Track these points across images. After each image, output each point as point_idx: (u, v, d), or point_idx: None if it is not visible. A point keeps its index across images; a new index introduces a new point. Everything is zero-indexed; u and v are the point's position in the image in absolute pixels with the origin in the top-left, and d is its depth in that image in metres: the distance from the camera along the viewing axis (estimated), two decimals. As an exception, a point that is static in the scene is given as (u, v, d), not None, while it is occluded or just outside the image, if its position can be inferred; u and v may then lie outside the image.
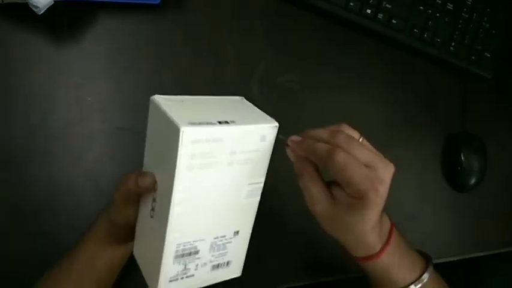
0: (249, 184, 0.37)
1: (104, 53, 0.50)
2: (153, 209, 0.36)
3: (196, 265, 0.38)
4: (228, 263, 0.40)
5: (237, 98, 0.42)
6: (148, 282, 0.38)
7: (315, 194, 0.38)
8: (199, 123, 0.32)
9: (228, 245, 0.39)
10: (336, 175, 0.36)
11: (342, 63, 0.59)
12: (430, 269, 0.41)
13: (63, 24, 0.49)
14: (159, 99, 0.35)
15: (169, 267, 0.36)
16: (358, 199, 0.36)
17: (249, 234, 0.40)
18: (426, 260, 0.42)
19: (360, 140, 0.38)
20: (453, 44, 0.61)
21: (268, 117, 0.38)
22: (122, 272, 0.45)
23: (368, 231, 0.37)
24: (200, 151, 0.33)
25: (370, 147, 0.38)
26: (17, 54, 0.47)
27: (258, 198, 0.39)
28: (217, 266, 0.39)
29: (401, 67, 0.62)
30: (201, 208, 0.35)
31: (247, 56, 0.55)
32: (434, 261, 0.60)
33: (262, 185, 0.39)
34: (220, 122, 0.34)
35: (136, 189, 0.36)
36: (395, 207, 0.59)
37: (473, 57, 0.62)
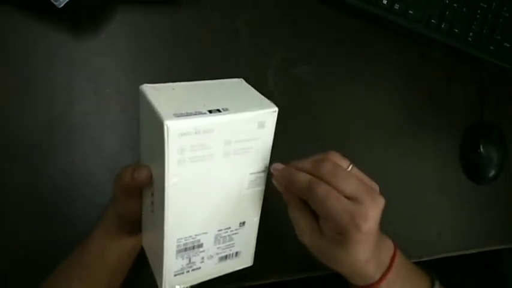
0: (251, 174, 0.36)
1: (122, 45, 0.51)
2: (152, 203, 0.35)
3: (202, 258, 0.37)
4: (236, 253, 0.39)
5: (236, 80, 0.39)
6: (156, 275, 0.38)
7: (301, 226, 0.36)
8: (187, 115, 0.30)
9: (234, 236, 0.38)
10: (316, 208, 0.34)
11: (358, 55, 0.58)
12: None
13: (82, 17, 0.50)
14: (146, 88, 0.33)
15: (172, 262, 0.35)
16: (340, 235, 0.33)
17: (257, 224, 0.39)
18: (431, 279, 0.41)
19: (349, 168, 0.35)
20: (471, 34, 0.60)
21: (267, 102, 0.34)
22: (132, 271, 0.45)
23: (360, 265, 0.35)
24: (190, 144, 0.30)
25: (360, 177, 0.36)
26: (37, 47, 0.48)
27: (263, 187, 0.37)
28: (225, 257, 0.38)
29: (418, 58, 0.61)
30: (199, 201, 0.34)
31: (262, 46, 0.55)
32: (451, 254, 0.59)
33: (265, 174, 0.36)
34: (211, 111, 0.31)
35: (133, 182, 0.35)
36: (412, 198, 0.59)
37: (492, 48, 0.61)
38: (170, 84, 0.35)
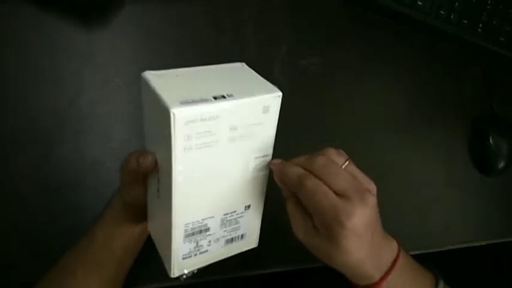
0: (256, 158, 0.36)
1: (130, 35, 0.51)
2: (158, 190, 0.36)
3: (209, 241, 0.37)
4: (242, 236, 0.39)
5: (238, 64, 0.38)
6: (164, 259, 0.38)
7: (298, 222, 0.36)
8: (193, 102, 0.30)
9: (240, 219, 0.38)
10: (305, 203, 0.34)
11: (366, 46, 0.58)
12: None
13: (91, 7, 0.50)
14: (149, 75, 0.33)
15: (180, 246, 0.35)
16: (327, 230, 0.33)
17: (261, 206, 0.39)
18: (436, 278, 0.41)
19: (345, 165, 0.35)
20: (481, 25, 0.60)
21: (270, 86, 0.34)
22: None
23: (355, 263, 0.34)
24: (196, 131, 0.30)
25: (357, 174, 0.35)
26: (47, 37, 0.49)
27: (267, 171, 0.37)
28: (231, 240, 0.39)
29: (427, 49, 0.61)
30: (205, 187, 0.34)
31: (269, 38, 0.55)
32: (459, 245, 0.59)
33: (270, 158, 0.37)
34: (215, 98, 0.31)
35: (139, 169, 0.35)
36: (421, 189, 0.58)
37: (502, 39, 0.61)
38: (172, 70, 0.34)
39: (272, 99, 0.33)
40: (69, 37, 0.49)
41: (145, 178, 0.38)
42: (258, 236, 0.41)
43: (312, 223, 0.35)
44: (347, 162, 0.35)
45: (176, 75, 0.34)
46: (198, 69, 0.36)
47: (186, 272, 0.37)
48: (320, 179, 0.33)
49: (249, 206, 0.38)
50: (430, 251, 0.57)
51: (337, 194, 0.33)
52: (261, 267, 0.53)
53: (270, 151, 0.36)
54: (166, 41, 0.52)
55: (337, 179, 0.33)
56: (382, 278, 0.36)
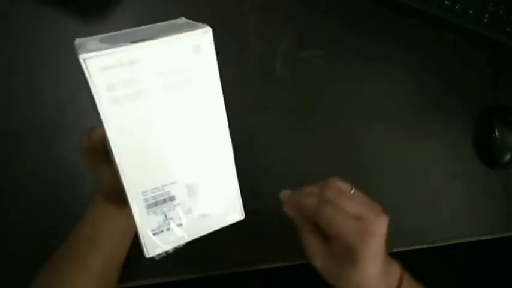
0: (204, 110, 0.32)
1: (129, 28, 0.51)
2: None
3: (179, 213, 0.33)
4: (220, 206, 0.35)
5: (176, 19, 0.35)
6: (139, 241, 0.33)
7: (313, 249, 0.38)
8: (106, 48, 0.27)
9: (211, 186, 0.34)
10: (325, 229, 0.36)
11: (369, 37, 0.57)
12: None
13: (90, 2, 0.50)
14: (78, 40, 0.31)
15: (145, 219, 0.32)
16: (349, 253, 0.35)
17: (233, 170, 0.35)
18: None
19: (352, 191, 0.38)
20: (486, 15, 0.59)
21: (200, 25, 0.31)
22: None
23: (370, 285, 0.36)
24: (117, 79, 0.28)
25: (362, 198, 0.38)
26: (47, 32, 0.49)
27: (225, 124, 0.33)
28: (208, 212, 0.34)
29: (432, 41, 0.60)
30: (152, 146, 0.31)
31: (271, 30, 0.54)
32: (464, 239, 0.58)
33: (222, 108, 0.33)
34: (134, 42, 0.28)
35: (91, 144, 0.33)
36: (425, 182, 0.57)
37: (508, 29, 0.59)
38: (107, 34, 0.32)
39: (200, 35, 0.30)
40: (69, 32, 0.49)
41: (106, 157, 0.34)
42: (241, 207, 0.36)
43: (328, 248, 0.37)
44: (353, 189, 0.38)
45: (106, 36, 0.32)
46: (132, 29, 0.34)
47: (160, 250, 0.33)
48: (335, 206, 0.36)
49: (217, 171, 0.34)
50: (436, 245, 0.56)
51: (353, 217, 0.35)
52: (263, 262, 0.53)
53: (219, 101, 0.33)
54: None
55: (351, 204, 0.36)
56: None
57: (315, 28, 0.56)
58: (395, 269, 0.39)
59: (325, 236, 0.38)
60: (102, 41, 0.30)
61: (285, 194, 0.39)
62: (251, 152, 0.52)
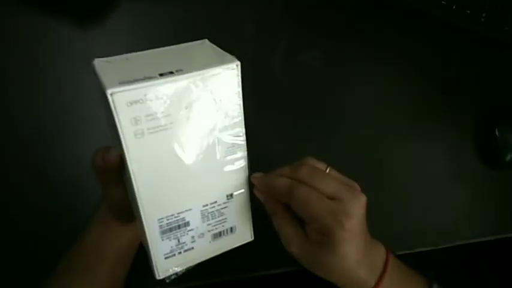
0: (225, 139, 0.33)
1: (126, 34, 0.50)
2: (128, 186, 0.33)
3: (192, 237, 0.34)
4: (231, 229, 0.36)
5: (199, 41, 0.35)
6: (150, 263, 0.35)
7: (288, 234, 0.35)
8: (134, 81, 0.27)
9: (224, 210, 0.35)
10: (299, 211, 0.34)
11: (368, 38, 0.57)
12: None
13: (86, 6, 0.50)
14: (97, 62, 0.31)
15: (159, 244, 0.33)
16: (325, 236, 0.33)
17: (247, 195, 0.36)
18: (429, 282, 0.40)
19: (327, 170, 0.35)
20: (484, 14, 0.59)
21: (228, 57, 0.31)
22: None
23: (351, 268, 0.34)
24: (144, 113, 0.28)
25: (339, 177, 0.36)
26: (43, 37, 0.48)
27: (244, 153, 0.34)
28: (219, 234, 0.36)
29: (430, 40, 0.59)
30: (171, 175, 0.31)
31: (268, 32, 0.54)
32: (467, 241, 0.58)
33: (242, 137, 0.33)
34: (162, 75, 0.28)
35: (105, 166, 0.33)
36: (426, 183, 0.57)
37: (506, 28, 0.59)
38: (125, 55, 0.32)
39: (228, 71, 0.30)
40: (65, 36, 0.49)
41: (119, 177, 0.35)
42: (252, 229, 0.37)
43: (303, 232, 0.35)
44: (328, 168, 0.36)
45: (127, 59, 0.32)
46: (154, 50, 0.34)
47: (171, 272, 0.34)
48: (309, 186, 0.33)
49: (231, 195, 0.35)
50: (439, 247, 0.56)
51: (328, 198, 0.33)
52: (266, 267, 0.52)
53: (240, 129, 0.33)
54: (162, 39, 0.51)
55: (326, 183, 0.33)
56: (377, 283, 0.35)
57: (313, 31, 0.55)
58: (380, 251, 0.37)
59: (300, 219, 0.35)
60: (125, 67, 0.30)
61: (255, 176, 0.36)
62: (250, 153, 0.52)
